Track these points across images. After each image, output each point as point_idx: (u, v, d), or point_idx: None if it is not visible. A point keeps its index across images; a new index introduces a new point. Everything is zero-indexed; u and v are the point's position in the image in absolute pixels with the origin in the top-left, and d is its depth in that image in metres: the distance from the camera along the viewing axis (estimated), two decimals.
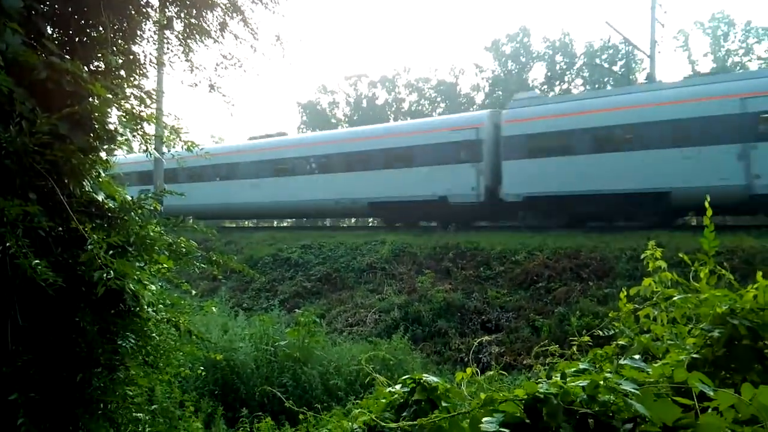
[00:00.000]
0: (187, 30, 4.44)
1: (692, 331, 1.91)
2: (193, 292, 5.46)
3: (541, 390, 1.41)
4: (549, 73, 45.93)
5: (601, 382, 1.46)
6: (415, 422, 1.63)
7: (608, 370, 2.25)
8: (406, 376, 2.02)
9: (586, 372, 2.25)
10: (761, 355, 1.75)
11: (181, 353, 4.61)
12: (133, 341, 3.44)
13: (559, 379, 1.51)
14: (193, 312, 5.11)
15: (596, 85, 42.24)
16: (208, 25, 4.65)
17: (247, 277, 17.39)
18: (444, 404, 1.87)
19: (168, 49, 4.54)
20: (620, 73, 39.91)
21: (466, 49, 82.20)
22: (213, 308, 7.58)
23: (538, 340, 11.13)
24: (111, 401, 3.22)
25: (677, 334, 2.50)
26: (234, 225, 32.04)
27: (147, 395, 4.38)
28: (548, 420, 1.36)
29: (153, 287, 3.66)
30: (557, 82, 45.56)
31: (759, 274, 1.89)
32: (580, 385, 1.44)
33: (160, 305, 3.83)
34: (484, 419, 1.40)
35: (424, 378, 1.93)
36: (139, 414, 3.83)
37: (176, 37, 4.61)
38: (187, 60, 4.62)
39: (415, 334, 12.37)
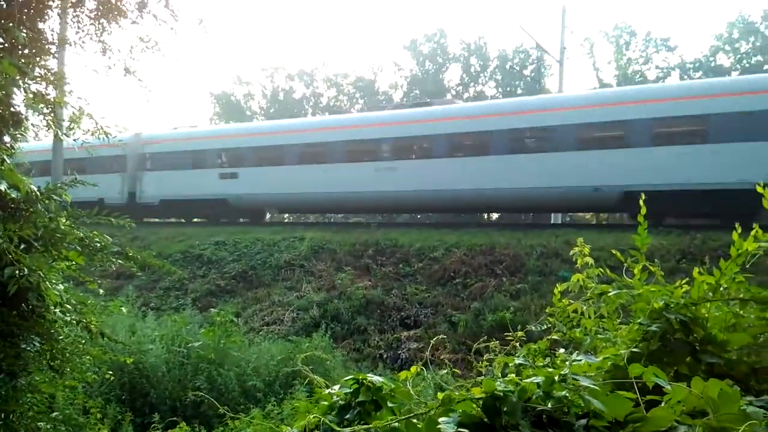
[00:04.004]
0: (101, 8, 4.13)
1: (630, 325, 1.97)
2: (101, 291, 5.13)
3: (499, 388, 1.38)
4: (464, 75, 47.08)
5: (556, 378, 1.45)
6: (369, 426, 1.57)
7: (540, 364, 2.29)
8: (349, 377, 1.95)
9: (523, 366, 2.28)
10: (693, 349, 1.83)
11: (88, 357, 4.29)
12: (38, 344, 3.16)
13: (515, 376, 1.50)
14: (99, 312, 4.78)
15: (508, 89, 43.70)
16: (124, 5, 4.35)
17: (156, 275, 16.57)
18: (390, 404, 1.82)
19: (78, 28, 4.20)
20: (530, 77, 41.55)
21: (386, 47, 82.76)
22: (122, 308, 7.13)
23: (456, 335, 11.37)
24: (13, 411, 2.94)
25: (605, 328, 2.60)
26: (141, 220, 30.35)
27: (47, 402, 4.03)
28: (507, 418, 1.34)
29: (60, 286, 3.38)
30: (471, 84, 46.76)
31: (695, 270, 1.98)
32: (536, 381, 1.44)
33: (67, 306, 3.54)
34: (441, 419, 1.36)
35: (368, 378, 1.87)
36: (39, 423, 3.53)
37: (87, 16, 4.28)
38: (99, 41, 4.30)
39: (335, 332, 12.28)
